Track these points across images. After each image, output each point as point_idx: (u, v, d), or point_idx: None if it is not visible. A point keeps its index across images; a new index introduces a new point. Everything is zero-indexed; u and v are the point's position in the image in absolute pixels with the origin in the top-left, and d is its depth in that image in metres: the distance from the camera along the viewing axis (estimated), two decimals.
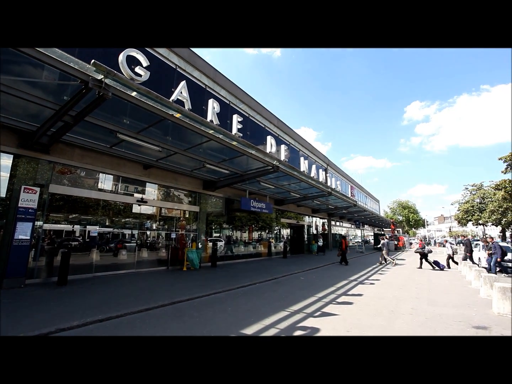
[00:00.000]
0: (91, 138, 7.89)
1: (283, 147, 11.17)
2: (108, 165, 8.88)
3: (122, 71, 5.41)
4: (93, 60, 4.56)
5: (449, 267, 13.75)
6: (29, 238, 6.69)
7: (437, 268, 13.32)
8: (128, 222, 10.06)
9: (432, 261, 13.71)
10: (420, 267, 13.76)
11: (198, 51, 12.12)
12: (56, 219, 8.01)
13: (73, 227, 8.44)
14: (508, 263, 11.56)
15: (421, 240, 16.59)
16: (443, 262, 14.02)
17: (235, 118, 8.89)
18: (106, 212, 9.27)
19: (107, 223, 9.34)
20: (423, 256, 13.95)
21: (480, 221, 41.45)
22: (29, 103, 5.81)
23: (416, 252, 15.09)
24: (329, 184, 15.98)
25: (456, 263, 13.79)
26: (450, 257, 14.07)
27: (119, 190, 9.61)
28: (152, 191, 10.71)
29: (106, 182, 9.19)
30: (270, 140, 10.21)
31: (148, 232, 10.88)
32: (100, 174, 8.97)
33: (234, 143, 8.07)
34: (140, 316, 4.90)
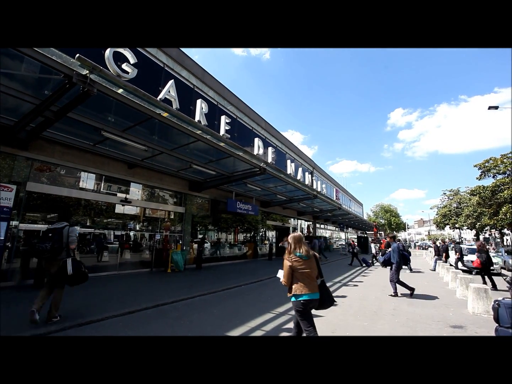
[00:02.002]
0: (74, 135, 7.60)
1: (270, 149, 11.25)
2: (91, 163, 8.59)
3: (109, 67, 5.28)
4: (78, 54, 4.40)
5: (373, 264, 16.50)
6: (3, 238, 6.35)
7: (364, 265, 15.54)
8: (110, 222, 9.76)
9: (361, 258, 15.96)
10: (351, 264, 16.06)
11: (186, 50, 11.99)
12: (33, 219, 7.65)
13: None
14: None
15: (352, 241, 19.65)
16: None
17: (223, 119, 8.86)
18: (87, 212, 8.96)
19: (88, 223, 9.02)
20: (355, 254, 16.51)
21: (457, 225, 43.43)
22: (6, 96, 5.52)
23: (349, 251, 18.16)
24: (314, 187, 16.23)
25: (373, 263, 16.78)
26: (374, 256, 17.30)
27: (101, 190, 9.31)
28: (136, 191, 10.45)
29: (88, 181, 8.88)
30: (257, 142, 10.25)
31: (131, 233, 10.60)
32: (82, 172, 8.67)
33: (222, 144, 8.03)
34: (122, 320, 4.76)
